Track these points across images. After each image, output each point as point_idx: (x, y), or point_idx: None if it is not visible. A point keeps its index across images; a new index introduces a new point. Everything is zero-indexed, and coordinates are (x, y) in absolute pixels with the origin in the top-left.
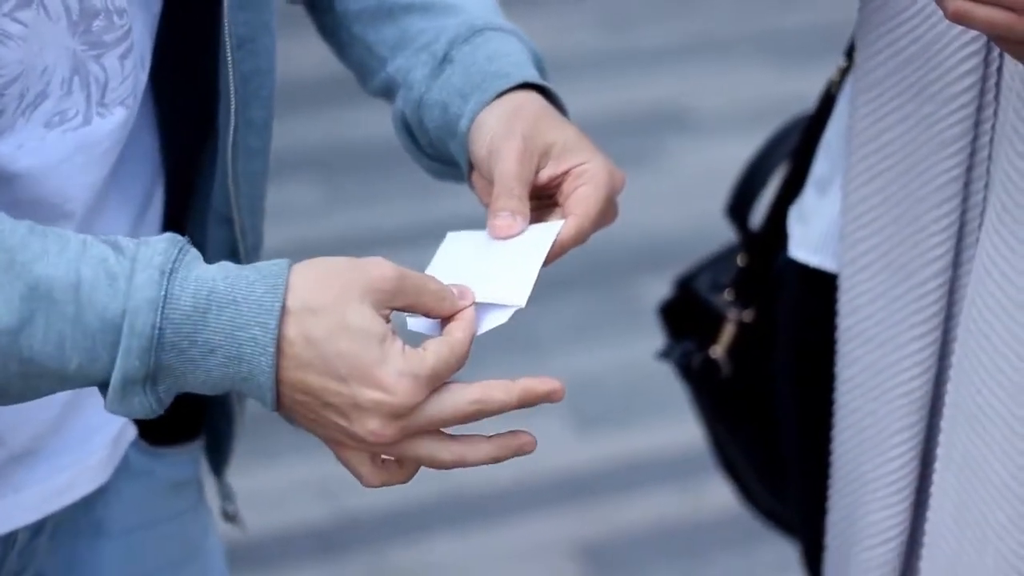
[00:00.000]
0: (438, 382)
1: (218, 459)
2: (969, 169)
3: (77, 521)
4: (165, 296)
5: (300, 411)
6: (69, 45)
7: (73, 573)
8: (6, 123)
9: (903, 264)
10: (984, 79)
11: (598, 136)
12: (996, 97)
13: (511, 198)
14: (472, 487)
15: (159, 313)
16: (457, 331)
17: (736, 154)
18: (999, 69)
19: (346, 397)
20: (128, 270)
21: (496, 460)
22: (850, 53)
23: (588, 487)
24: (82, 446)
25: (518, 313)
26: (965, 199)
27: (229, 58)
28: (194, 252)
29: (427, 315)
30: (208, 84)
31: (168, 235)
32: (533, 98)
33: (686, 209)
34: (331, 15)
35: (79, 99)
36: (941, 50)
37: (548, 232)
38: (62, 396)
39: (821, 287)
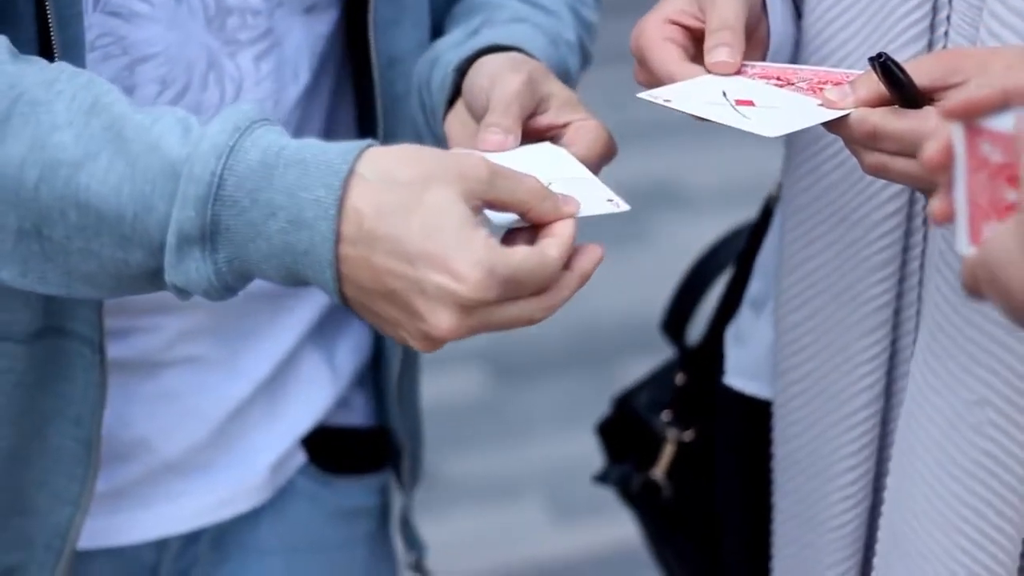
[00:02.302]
0: (515, 290)
1: (401, 489)
2: (899, 296)
3: (240, 535)
4: (233, 147)
5: (361, 298)
6: (205, 40)
7: None
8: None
9: (834, 393)
10: (911, 203)
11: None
12: (925, 221)
13: (507, 116)
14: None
15: (222, 162)
16: (552, 248)
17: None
18: None
19: (411, 281)
20: (205, 125)
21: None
22: None
23: None
24: (241, 466)
25: (501, 392)
26: (896, 326)
27: (377, 76)
28: (281, 129)
29: (525, 216)
30: (365, 105)
31: (260, 104)
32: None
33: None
34: None
35: (214, 94)
36: (865, 175)
37: (553, 152)
38: (219, 413)
39: (760, 413)
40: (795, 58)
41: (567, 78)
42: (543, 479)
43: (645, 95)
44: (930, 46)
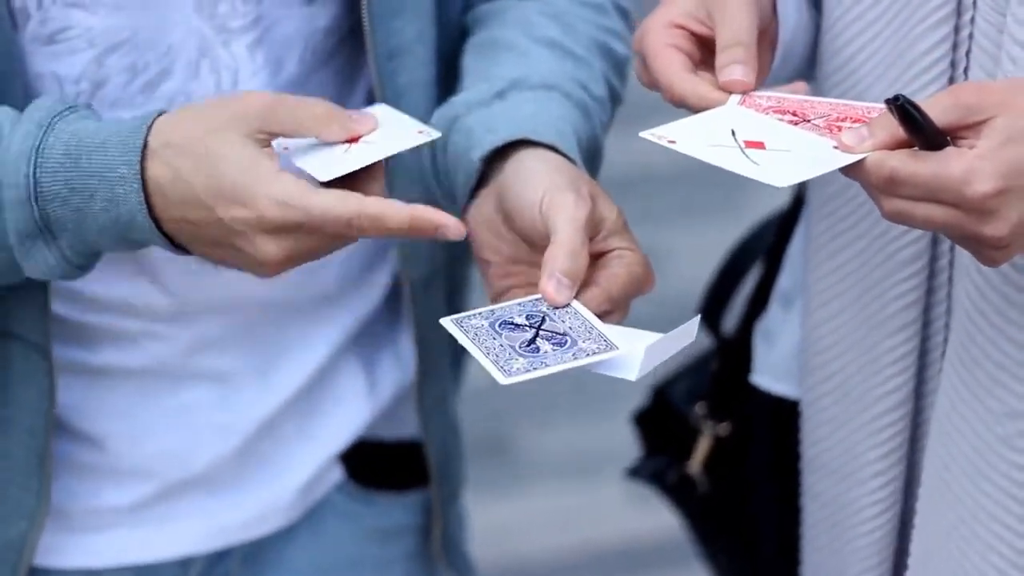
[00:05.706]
0: (315, 230)
1: (440, 502)
2: (929, 293)
3: (274, 553)
4: (38, 147)
5: (197, 249)
6: (196, 25)
7: None
8: (117, 95)
9: (861, 395)
10: None
11: (680, 185)
12: None
13: (576, 263)
14: (533, 554)
15: (31, 164)
16: (358, 201)
17: None
18: None
19: (220, 224)
20: (14, 125)
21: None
22: None
23: (646, 559)
24: (271, 484)
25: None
26: (926, 325)
27: (374, 69)
28: (88, 111)
29: (320, 139)
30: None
31: (61, 97)
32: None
33: None
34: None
35: (208, 83)
36: None
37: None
38: (247, 429)
39: (789, 413)
40: (812, 55)
41: (597, 150)
42: (624, 457)
43: (648, 135)
44: (952, 66)
